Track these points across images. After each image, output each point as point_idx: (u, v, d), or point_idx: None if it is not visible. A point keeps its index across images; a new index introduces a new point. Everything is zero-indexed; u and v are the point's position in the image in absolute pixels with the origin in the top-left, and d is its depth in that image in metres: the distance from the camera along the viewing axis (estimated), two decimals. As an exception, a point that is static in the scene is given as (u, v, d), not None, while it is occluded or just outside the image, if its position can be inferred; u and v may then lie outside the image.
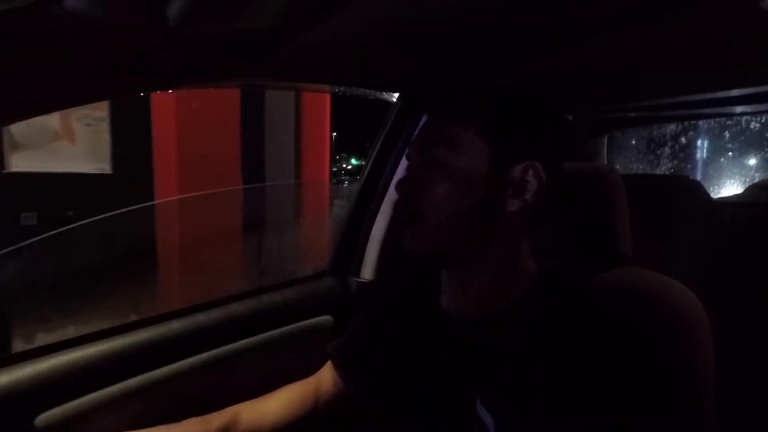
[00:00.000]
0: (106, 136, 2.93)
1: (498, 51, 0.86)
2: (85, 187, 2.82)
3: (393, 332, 0.65)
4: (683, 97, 1.22)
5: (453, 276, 0.57)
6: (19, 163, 2.65)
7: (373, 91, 1.05)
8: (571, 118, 1.36)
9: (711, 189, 2.24)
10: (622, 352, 0.50)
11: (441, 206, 0.51)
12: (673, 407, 0.49)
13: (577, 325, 0.50)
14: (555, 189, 0.55)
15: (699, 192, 1.10)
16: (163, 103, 2.76)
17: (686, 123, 2.70)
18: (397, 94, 1.06)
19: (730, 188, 2.70)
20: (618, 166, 1.34)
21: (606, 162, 1.60)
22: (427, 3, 0.63)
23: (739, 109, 1.30)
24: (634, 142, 2.86)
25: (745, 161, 2.78)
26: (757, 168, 2.72)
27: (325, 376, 0.75)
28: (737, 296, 0.97)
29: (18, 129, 2.65)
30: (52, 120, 2.77)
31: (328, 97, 2.77)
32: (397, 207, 0.56)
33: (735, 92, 1.14)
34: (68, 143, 2.83)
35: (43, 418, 0.64)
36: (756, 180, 1.42)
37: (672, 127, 2.80)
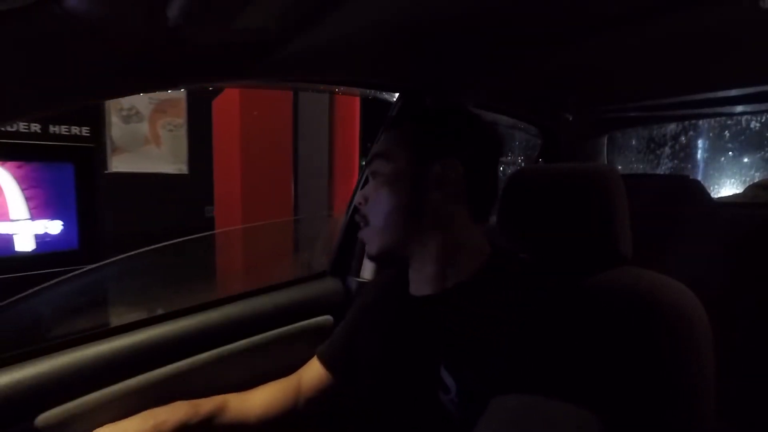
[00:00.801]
0: (184, 141, 3.42)
1: (498, 51, 0.86)
2: (167, 185, 3.33)
3: (374, 325, 0.71)
4: (683, 97, 1.22)
5: (411, 266, 0.65)
6: (118, 165, 3.14)
7: (373, 91, 1.05)
8: (571, 118, 1.36)
9: (711, 189, 2.24)
10: (622, 350, 0.50)
11: (379, 208, 0.61)
12: (671, 406, 0.49)
13: (558, 312, 0.53)
14: (485, 181, 0.62)
15: (699, 192, 1.10)
16: (228, 112, 3.03)
17: (686, 123, 2.70)
18: (397, 94, 1.06)
19: (730, 188, 2.70)
20: (619, 167, 1.34)
21: (606, 162, 1.60)
22: (427, 3, 0.63)
23: (739, 109, 1.31)
24: (634, 142, 2.85)
25: (745, 161, 2.78)
26: (757, 167, 2.71)
27: (308, 374, 0.77)
28: (737, 296, 0.97)
29: (117, 134, 3.11)
30: (143, 127, 3.25)
31: (357, 100, 2.90)
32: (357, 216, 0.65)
33: (735, 92, 1.14)
34: (155, 147, 3.31)
35: (43, 418, 0.64)
36: (756, 179, 1.42)
37: (672, 127, 2.80)
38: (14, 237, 2.44)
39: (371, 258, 0.64)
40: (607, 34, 0.74)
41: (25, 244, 2.47)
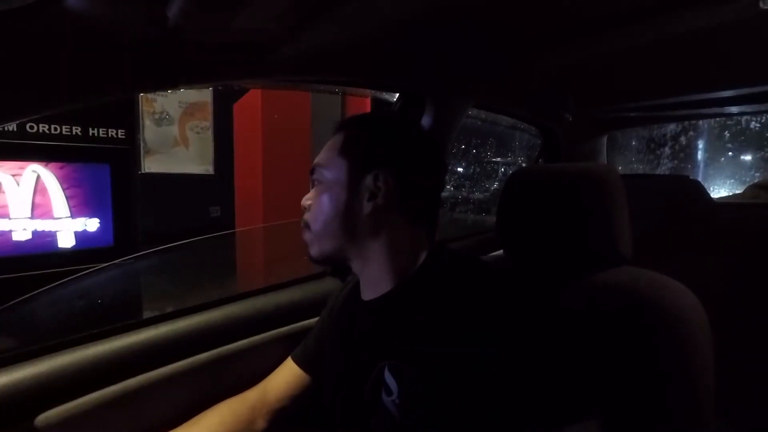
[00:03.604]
0: (210, 143, 3.62)
1: (498, 51, 0.86)
2: (195, 185, 3.55)
3: (333, 329, 0.74)
4: (683, 97, 1.22)
5: (354, 271, 0.68)
6: (151, 166, 3.34)
7: (373, 91, 1.05)
8: (571, 118, 1.36)
9: (711, 189, 2.24)
10: (619, 350, 0.50)
11: (318, 214, 0.64)
12: (670, 407, 0.49)
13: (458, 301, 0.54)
14: (419, 188, 0.65)
15: (699, 192, 1.10)
16: (250, 114, 3.16)
17: (686, 123, 2.70)
18: (397, 95, 1.06)
19: (730, 188, 2.70)
20: (619, 167, 1.34)
21: (606, 162, 1.60)
22: (428, 4, 0.63)
23: (739, 109, 1.31)
24: (634, 142, 2.86)
25: (745, 161, 2.78)
26: (757, 167, 2.71)
27: (279, 382, 0.77)
28: (737, 296, 0.97)
29: (149, 137, 3.29)
30: (173, 129, 3.43)
31: (368, 102, 2.96)
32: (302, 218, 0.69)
33: (735, 92, 1.14)
34: (184, 149, 3.51)
35: (43, 418, 0.64)
36: (756, 180, 1.42)
37: (672, 127, 2.80)
38: (57, 234, 2.62)
39: (312, 260, 0.67)
40: (607, 34, 0.74)
41: (66, 240, 2.65)
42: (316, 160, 0.67)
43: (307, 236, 0.66)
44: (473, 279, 0.57)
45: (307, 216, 0.66)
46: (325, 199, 0.64)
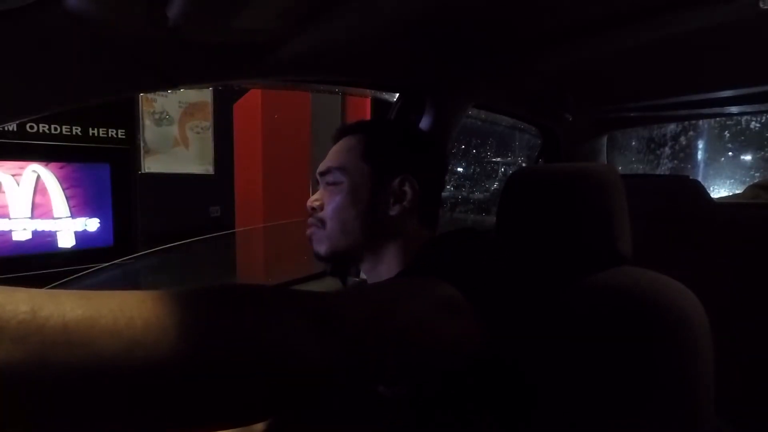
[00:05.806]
0: (210, 143, 3.64)
1: (498, 51, 0.86)
2: (195, 185, 3.59)
3: None
4: (683, 97, 1.22)
5: (363, 269, 0.69)
6: (151, 166, 3.35)
7: (373, 91, 1.05)
8: (571, 118, 1.36)
9: (711, 189, 2.24)
10: (621, 351, 0.50)
11: (338, 213, 0.65)
12: (670, 408, 0.49)
13: None
14: (435, 194, 0.68)
15: (699, 192, 1.10)
16: (250, 115, 3.16)
17: (686, 123, 2.69)
18: (397, 95, 1.06)
19: (729, 188, 2.70)
20: (619, 167, 1.34)
21: (606, 162, 1.60)
22: (428, 4, 0.63)
23: (739, 109, 1.31)
24: (634, 142, 2.86)
25: (745, 161, 2.78)
26: (757, 167, 2.71)
27: None
28: (737, 296, 0.97)
29: (149, 137, 3.32)
30: (173, 129, 3.46)
31: (368, 101, 2.97)
32: (309, 218, 0.69)
33: (735, 92, 1.15)
34: (184, 149, 3.53)
35: None
36: (756, 180, 1.42)
37: (672, 127, 2.80)
38: (57, 234, 2.62)
39: (319, 257, 0.67)
40: (607, 34, 0.74)
41: (66, 240, 2.65)
42: (331, 163, 0.67)
43: (317, 234, 0.67)
44: (470, 260, 0.57)
45: (320, 215, 0.67)
46: (346, 200, 0.64)
